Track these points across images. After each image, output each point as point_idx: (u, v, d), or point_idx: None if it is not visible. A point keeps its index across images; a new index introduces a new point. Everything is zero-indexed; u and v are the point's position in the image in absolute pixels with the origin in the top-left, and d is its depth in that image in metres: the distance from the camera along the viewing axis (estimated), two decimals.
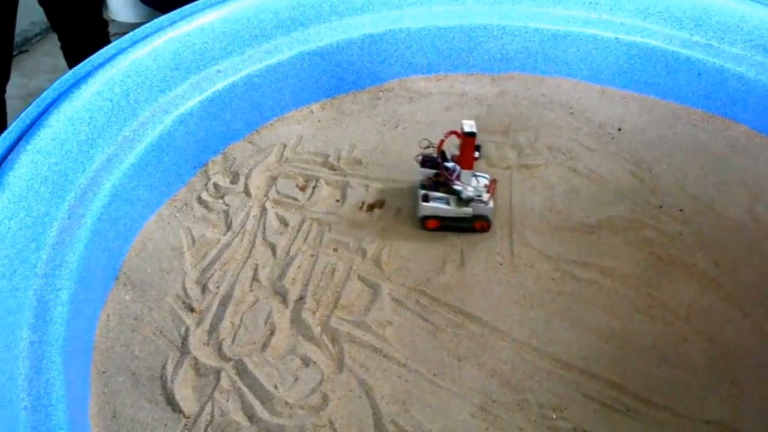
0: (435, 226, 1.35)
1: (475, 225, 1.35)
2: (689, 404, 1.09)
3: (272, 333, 1.18)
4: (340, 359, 1.14)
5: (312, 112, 1.68)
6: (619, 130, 1.67)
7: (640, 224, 1.40)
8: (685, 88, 1.75)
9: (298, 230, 1.37)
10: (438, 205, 1.33)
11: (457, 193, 1.33)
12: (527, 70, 1.82)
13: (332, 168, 1.51)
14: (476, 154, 1.31)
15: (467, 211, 1.33)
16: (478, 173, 1.36)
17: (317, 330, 1.18)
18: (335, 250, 1.33)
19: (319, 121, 1.65)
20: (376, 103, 1.70)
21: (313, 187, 1.46)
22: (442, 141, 1.30)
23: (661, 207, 1.45)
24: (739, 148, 1.64)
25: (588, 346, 1.17)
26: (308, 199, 1.43)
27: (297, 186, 1.47)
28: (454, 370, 1.12)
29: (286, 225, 1.38)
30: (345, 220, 1.39)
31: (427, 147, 1.37)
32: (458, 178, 1.32)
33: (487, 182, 1.36)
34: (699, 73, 1.72)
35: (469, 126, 1.27)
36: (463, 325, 1.19)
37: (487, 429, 1.05)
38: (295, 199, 1.44)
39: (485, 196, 1.33)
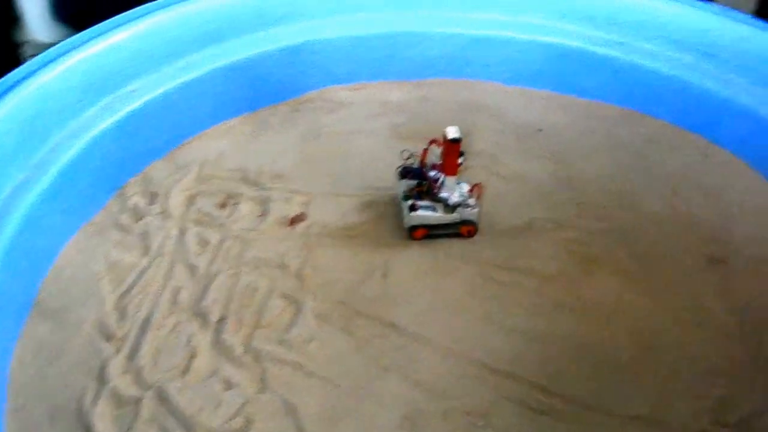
0: (422, 235, 1.35)
1: (461, 230, 1.35)
2: (615, 401, 1.10)
3: (193, 356, 1.15)
4: (263, 380, 1.12)
5: (232, 127, 1.65)
6: (540, 130, 1.68)
7: (562, 224, 1.41)
8: (602, 85, 1.77)
9: (219, 249, 1.34)
10: (426, 214, 1.33)
11: (443, 201, 1.33)
12: (449, 74, 1.83)
13: (253, 183, 1.48)
14: (460, 160, 1.31)
15: (455, 217, 1.33)
16: (459, 180, 1.35)
17: (239, 351, 1.16)
18: (257, 267, 1.30)
19: (239, 135, 1.62)
20: (296, 115, 1.68)
21: (234, 204, 1.43)
22: (426, 151, 1.32)
23: (581, 204, 1.46)
24: (657, 141, 1.66)
25: (513, 349, 1.17)
26: (229, 217, 1.41)
27: (217, 204, 1.44)
28: (379, 383, 1.11)
29: (207, 244, 1.35)
30: (267, 236, 1.36)
31: (409, 158, 1.37)
32: (442, 185, 1.32)
33: (468, 188, 1.35)
34: (615, 71, 1.75)
35: (452, 132, 1.27)
36: (388, 336, 1.18)
37: None
38: (215, 217, 1.41)
39: (471, 201, 1.33)
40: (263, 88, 1.69)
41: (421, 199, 1.34)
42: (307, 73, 1.73)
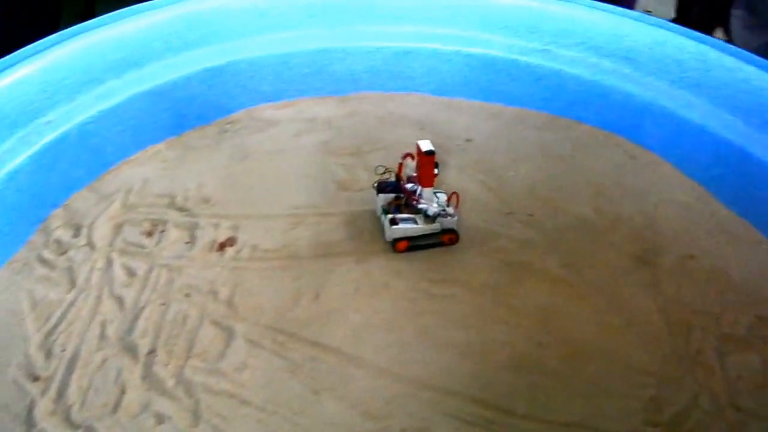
0: (405, 247, 1.36)
1: (443, 239, 1.37)
2: (549, 409, 1.11)
3: (123, 392, 1.13)
4: (196, 411, 1.09)
5: (157, 152, 1.63)
6: (468, 140, 1.70)
7: (492, 233, 1.42)
8: (527, 93, 1.80)
9: (147, 279, 1.31)
10: (407, 226, 1.35)
11: (422, 212, 1.35)
12: (375, 88, 1.83)
13: (180, 209, 1.46)
14: (435, 171, 1.33)
15: (435, 227, 1.36)
16: (436, 190, 1.37)
17: (171, 383, 1.13)
18: (187, 295, 1.28)
19: (165, 161, 1.59)
20: (223, 137, 1.66)
21: (161, 232, 1.41)
22: (401, 165, 1.36)
23: (511, 213, 1.47)
24: (584, 146, 1.69)
25: (447, 363, 1.17)
26: (156, 245, 1.38)
27: (144, 232, 1.41)
28: (314, 407, 1.10)
29: (134, 275, 1.32)
30: (196, 262, 1.34)
31: (384, 173, 1.41)
32: (420, 197, 1.34)
33: (445, 197, 1.37)
34: (539, 78, 1.78)
35: (426, 145, 1.30)
36: (322, 358, 1.17)
37: None
38: (142, 246, 1.38)
39: (450, 210, 1.36)
40: (188, 111, 1.67)
41: (401, 212, 1.37)
42: (233, 94, 1.72)
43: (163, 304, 1.26)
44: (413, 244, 1.37)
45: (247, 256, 1.35)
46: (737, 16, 2.44)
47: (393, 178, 1.40)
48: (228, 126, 1.70)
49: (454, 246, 1.39)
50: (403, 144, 1.64)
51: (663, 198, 1.55)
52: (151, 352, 1.18)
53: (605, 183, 1.57)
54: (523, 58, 1.76)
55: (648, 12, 2.86)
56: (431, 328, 1.23)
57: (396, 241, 1.36)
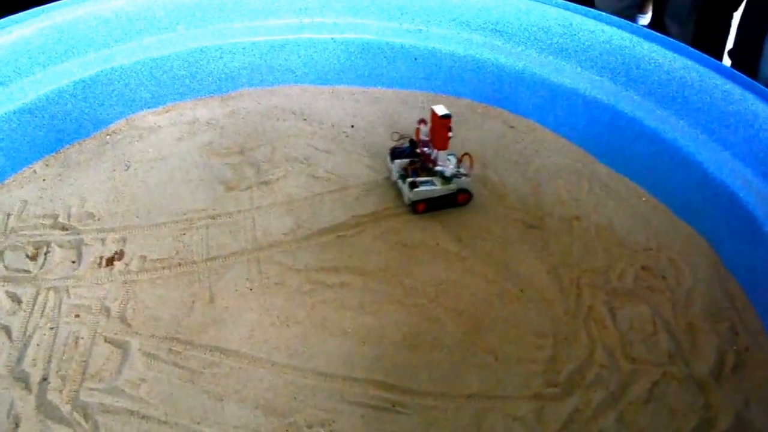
0: (423, 209, 1.42)
1: (458, 199, 1.44)
2: (451, 383, 1.13)
3: (17, 426, 1.08)
4: None
5: (35, 172, 1.56)
6: (353, 127, 1.70)
7: (383, 216, 1.44)
8: (406, 74, 1.82)
9: (34, 305, 1.26)
10: (427, 188, 1.41)
11: (439, 174, 1.41)
12: (255, 84, 1.81)
13: (63, 228, 1.41)
14: (449, 134, 1.39)
15: (452, 187, 1.42)
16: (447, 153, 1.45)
17: (66, 409, 1.10)
18: (77, 316, 1.24)
19: (44, 180, 1.54)
20: (104, 149, 1.62)
21: (45, 254, 1.36)
22: (418, 129, 1.43)
23: (400, 195, 1.49)
24: (464, 120, 1.72)
25: (347, 351, 1.17)
26: (41, 268, 1.33)
27: (27, 256, 1.36)
28: (217, 413, 1.09)
29: (20, 302, 1.27)
30: (84, 281, 1.30)
31: (399, 139, 1.51)
32: (437, 159, 1.42)
33: (455, 159, 1.44)
34: (415, 58, 1.79)
35: (441, 110, 1.37)
36: (221, 362, 1.16)
37: None
38: (26, 271, 1.33)
39: (464, 170, 1.42)
40: (64, 127, 1.61)
41: (418, 176, 1.42)
42: (109, 104, 1.67)
43: (53, 328, 1.22)
44: (431, 205, 1.43)
45: (137, 268, 1.32)
46: None
47: (407, 144, 1.49)
48: (108, 137, 1.65)
49: (346, 233, 1.39)
50: (288, 137, 1.64)
51: (544, 163, 1.59)
52: (44, 379, 1.14)
53: (488, 154, 1.60)
54: (398, 40, 1.78)
55: None
56: (329, 318, 1.23)
57: (416, 203, 1.42)
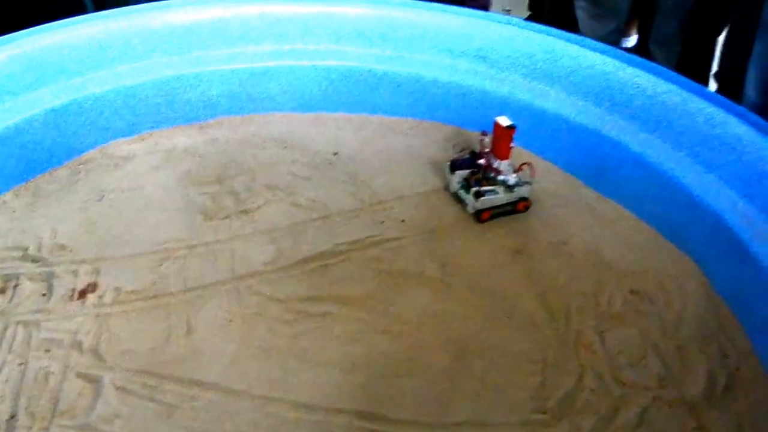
0: (488, 217, 1.46)
1: (519, 207, 1.48)
2: (438, 411, 1.09)
3: None
4: None
5: (4, 202, 1.51)
6: (335, 154, 1.67)
7: (366, 244, 1.40)
8: (389, 101, 1.80)
9: (1, 339, 1.21)
10: (493, 197, 1.45)
11: (503, 183, 1.45)
12: (234, 112, 1.78)
13: (34, 260, 1.36)
14: (511, 144, 1.44)
15: (514, 196, 1.46)
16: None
17: None
18: (47, 351, 1.19)
19: (14, 211, 1.49)
20: (76, 178, 1.57)
21: (14, 287, 1.31)
22: (481, 140, 1.47)
23: (383, 222, 1.46)
24: (449, 146, 1.70)
25: (331, 382, 1.13)
26: (9, 302, 1.28)
27: None
28: None
29: None
30: (55, 314, 1.25)
31: (460, 151, 1.60)
32: (500, 169, 1.46)
33: (514, 168, 1.48)
34: (398, 85, 1.77)
35: (505, 121, 1.42)
36: (199, 396, 1.11)
37: None
38: None
39: (527, 177, 1.46)
40: (35, 156, 1.57)
41: (481, 185, 1.45)
42: (82, 132, 1.63)
43: (22, 364, 1.16)
44: (494, 213, 1.46)
45: (110, 301, 1.27)
46: (581, 7, 2.54)
47: (467, 155, 1.53)
48: (81, 167, 1.61)
49: (329, 261, 1.36)
50: (268, 165, 1.61)
51: (531, 188, 1.56)
52: (12, 417, 1.09)
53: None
54: (380, 66, 1.76)
55: (507, 11, 2.94)
56: (311, 349, 1.19)
57: (481, 211, 1.45)
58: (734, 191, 1.35)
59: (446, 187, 1.54)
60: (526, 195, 1.48)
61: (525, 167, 1.47)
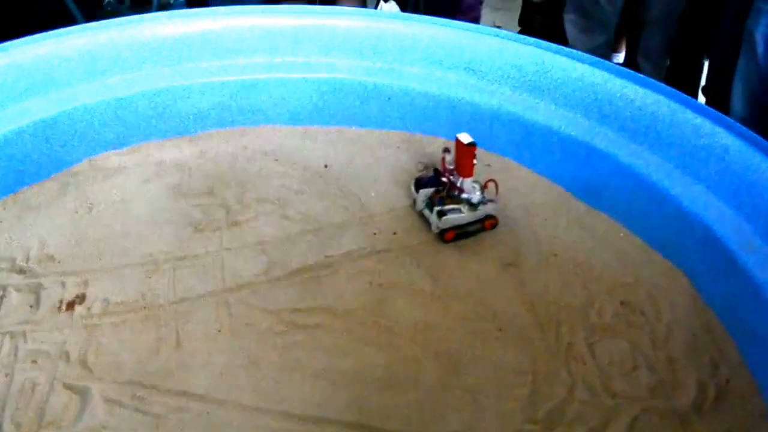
0: (453, 237, 1.43)
1: (485, 225, 1.45)
2: (427, 423, 1.09)
3: None
4: None
5: None
6: (326, 167, 1.67)
7: (357, 256, 1.40)
8: (380, 114, 1.80)
9: None
10: (456, 216, 1.42)
11: (466, 201, 1.42)
12: (224, 125, 1.78)
13: (21, 271, 1.35)
14: (474, 161, 1.41)
15: (479, 214, 1.44)
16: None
17: None
18: (34, 362, 1.18)
19: (1, 222, 1.48)
20: (65, 190, 1.56)
21: (1, 298, 1.29)
22: (443, 158, 1.45)
23: (375, 235, 1.46)
24: (438, 160, 1.69)
25: (321, 393, 1.13)
26: None
27: None
28: None
29: None
30: (42, 326, 1.24)
31: (423, 169, 1.56)
32: (463, 187, 1.43)
33: (479, 186, 1.45)
34: (389, 98, 1.78)
35: (466, 138, 1.40)
36: (187, 407, 1.10)
37: None
38: None
39: (491, 196, 1.45)
40: (23, 168, 1.56)
41: (444, 204, 1.42)
42: (72, 144, 1.62)
43: (8, 375, 1.15)
44: (460, 232, 1.43)
45: (99, 312, 1.27)
46: (570, 20, 2.56)
47: (431, 173, 1.51)
48: (70, 179, 1.60)
49: (320, 273, 1.35)
50: (259, 177, 1.61)
51: (522, 201, 1.57)
52: None
53: None
54: (371, 79, 1.76)
55: (497, 27, 2.96)
56: (301, 360, 1.18)
57: (444, 231, 1.42)
58: (722, 202, 1.35)
59: (413, 205, 1.51)
60: (491, 212, 1.46)
61: (490, 184, 1.45)
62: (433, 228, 1.44)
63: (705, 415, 1.12)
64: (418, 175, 1.54)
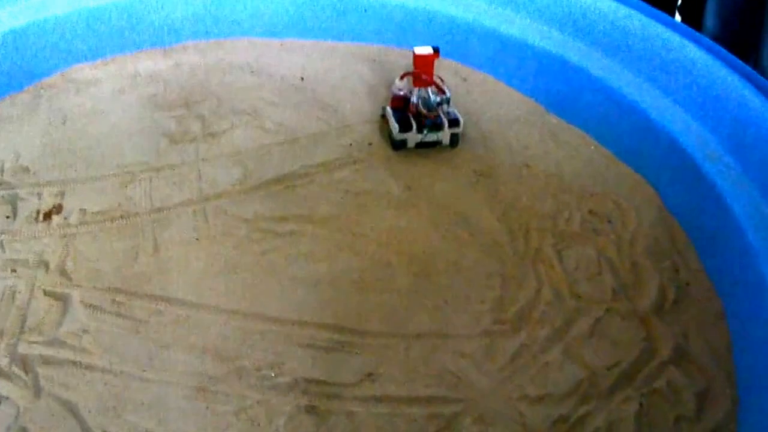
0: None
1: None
2: (401, 323, 1.13)
3: None
4: (36, 386, 1.03)
5: None
6: (302, 79, 1.67)
7: (331, 166, 1.42)
8: (356, 27, 1.79)
9: None
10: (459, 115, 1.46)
11: (448, 100, 1.46)
12: (200, 37, 1.76)
13: None
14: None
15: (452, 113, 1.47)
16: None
17: (5, 362, 1.06)
18: (13, 270, 1.20)
19: None
20: (38, 102, 1.56)
21: None
22: (403, 75, 1.46)
23: (350, 145, 1.47)
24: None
25: (297, 296, 1.16)
26: None
27: None
28: (163, 360, 1.07)
29: None
30: (20, 236, 1.26)
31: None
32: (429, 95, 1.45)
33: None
34: (365, 10, 1.76)
35: (422, 49, 1.43)
36: (166, 311, 1.13)
37: (207, 407, 1.01)
38: None
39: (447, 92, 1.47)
40: None
41: (421, 122, 1.44)
42: (43, 56, 1.60)
43: None
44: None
45: (76, 222, 1.28)
46: None
47: (398, 107, 1.49)
48: (42, 91, 1.59)
49: (295, 182, 1.38)
50: (235, 90, 1.61)
51: (496, 114, 1.59)
52: None
53: None
54: None
55: None
56: (278, 265, 1.21)
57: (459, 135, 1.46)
58: (689, 114, 1.38)
59: (399, 146, 1.47)
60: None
61: (437, 80, 1.47)
62: (446, 141, 1.47)
63: (665, 315, 1.17)
64: (393, 119, 1.47)
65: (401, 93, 1.48)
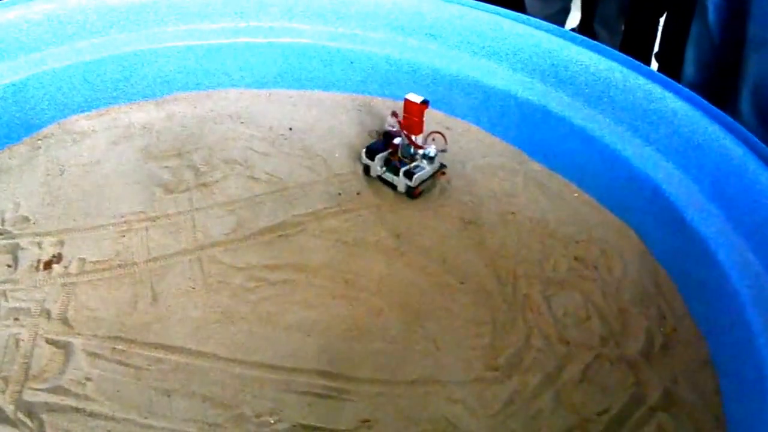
0: (419, 192, 1.51)
1: (438, 175, 1.55)
2: (393, 371, 1.16)
3: None
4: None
5: None
6: (291, 129, 1.72)
7: (323, 215, 1.46)
8: (342, 77, 1.84)
9: None
10: (422, 172, 1.50)
11: (424, 155, 1.50)
12: (190, 88, 1.81)
13: None
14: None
15: (436, 165, 1.53)
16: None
17: (10, 409, 1.08)
18: (16, 319, 1.22)
19: None
20: (36, 153, 1.59)
21: None
22: (400, 123, 1.50)
23: (340, 194, 1.51)
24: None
25: (292, 344, 1.19)
26: None
27: None
28: (164, 407, 1.09)
29: None
30: (21, 285, 1.28)
31: (377, 136, 1.61)
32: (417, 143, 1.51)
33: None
34: (351, 62, 1.82)
35: (414, 97, 1.47)
36: (166, 359, 1.16)
37: None
38: None
39: (442, 145, 1.52)
40: None
41: (403, 163, 1.50)
42: (40, 108, 1.64)
43: None
44: (423, 188, 1.52)
45: (76, 271, 1.31)
46: None
47: (380, 140, 1.57)
48: (40, 142, 1.62)
49: (287, 232, 1.41)
50: (225, 140, 1.65)
51: (480, 162, 1.64)
52: None
53: None
54: (334, 44, 1.80)
55: None
56: (273, 313, 1.24)
57: (413, 189, 1.49)
58: (671, 163, 1.44)
59: (366, 172, 1.56)
60: (442, 163, 1.56)
61: (436, 136, 1.52)
62: (401, 188, 1.51)
63: (653, 361, 1.21)
64: (369, 143, 1.57)
65: (393, 130, 1.55)
